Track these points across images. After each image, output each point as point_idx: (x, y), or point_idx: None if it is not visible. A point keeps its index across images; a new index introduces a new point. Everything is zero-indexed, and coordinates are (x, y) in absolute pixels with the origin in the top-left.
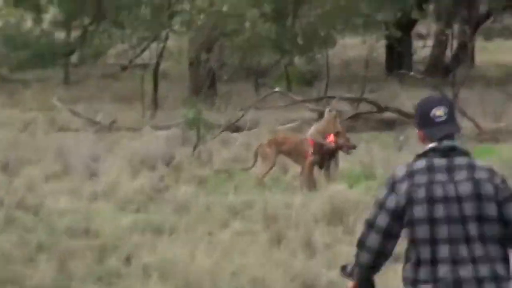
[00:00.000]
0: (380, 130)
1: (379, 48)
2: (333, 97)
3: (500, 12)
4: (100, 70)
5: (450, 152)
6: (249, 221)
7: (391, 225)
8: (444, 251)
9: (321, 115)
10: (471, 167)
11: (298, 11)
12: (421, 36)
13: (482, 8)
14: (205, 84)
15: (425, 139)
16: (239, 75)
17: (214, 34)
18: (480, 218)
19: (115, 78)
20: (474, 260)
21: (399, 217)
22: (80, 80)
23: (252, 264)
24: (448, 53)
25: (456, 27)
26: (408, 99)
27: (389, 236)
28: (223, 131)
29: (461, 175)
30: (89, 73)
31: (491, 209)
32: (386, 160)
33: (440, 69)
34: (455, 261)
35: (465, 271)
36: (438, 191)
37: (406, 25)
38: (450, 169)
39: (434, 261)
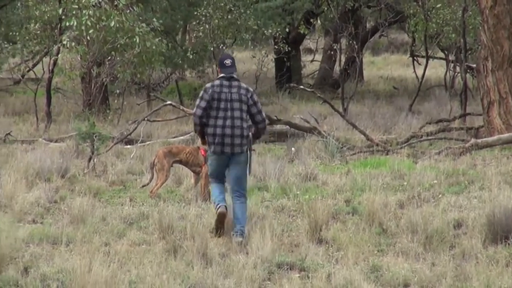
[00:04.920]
0: (272, 142)
1: (268, 63)
2: None
3: (386, 27)
4: None
5: (230, 78)
6: (145, 232)
7: (204, 106)
8: (220, 122)
9: None
10: (239, 87)
11: (188, 26)
12: (310, 51)
13: (369, 24)
14: (97, 98)
15: (220, 73)
16: (131, 89)
17: (105, 48)
18: (241, 110)
19: (8, 92)
20: (233, 127)
21: (208, 103)
22: None
23: (149, 275)
24: (337, 68)
25: (343, 42)
26: (298, 112)
27: (204, 109)
28: (116, 143)
29: (234, 90)
30: None
31: (245, 106)
32: (279, 171)
33: (329, 83)
34: (224, 127)
35: (227, 131)
36: (223, 96)
37: (295, 40)
38: (229, 87)
39: (215, 127)
